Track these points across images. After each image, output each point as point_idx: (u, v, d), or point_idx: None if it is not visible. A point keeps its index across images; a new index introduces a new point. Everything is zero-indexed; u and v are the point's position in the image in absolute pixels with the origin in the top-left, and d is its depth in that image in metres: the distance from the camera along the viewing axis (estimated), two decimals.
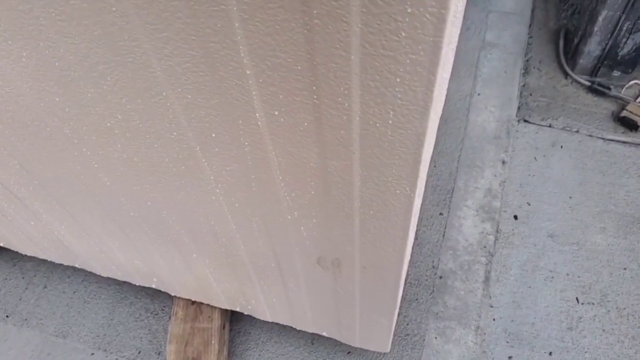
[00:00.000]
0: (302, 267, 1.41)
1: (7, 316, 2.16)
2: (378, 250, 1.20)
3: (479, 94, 2.63)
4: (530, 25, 2.81)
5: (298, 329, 1.86)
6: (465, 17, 2.78)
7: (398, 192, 0.99)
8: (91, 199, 1.42)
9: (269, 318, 1.87)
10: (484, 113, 2.58)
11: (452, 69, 2.68)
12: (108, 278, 2.21)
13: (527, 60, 2.73)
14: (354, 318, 1.61)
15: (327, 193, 1.06)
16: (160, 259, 1.67)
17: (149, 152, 1.12)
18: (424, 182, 1.35)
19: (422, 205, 2.30)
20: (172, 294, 1.95)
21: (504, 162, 2.43)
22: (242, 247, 1.41)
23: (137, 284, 1.96)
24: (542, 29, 2.82)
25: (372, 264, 1.27)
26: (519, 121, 2.55)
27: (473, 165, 2.42)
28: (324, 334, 1.84)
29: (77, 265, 2.01)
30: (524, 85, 2.66)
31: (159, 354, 2.04)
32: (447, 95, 2.61)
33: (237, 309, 1.87)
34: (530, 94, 2.62)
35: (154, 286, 1.92)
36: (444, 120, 2.53)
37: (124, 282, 2.19)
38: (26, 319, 2.15)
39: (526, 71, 2.71)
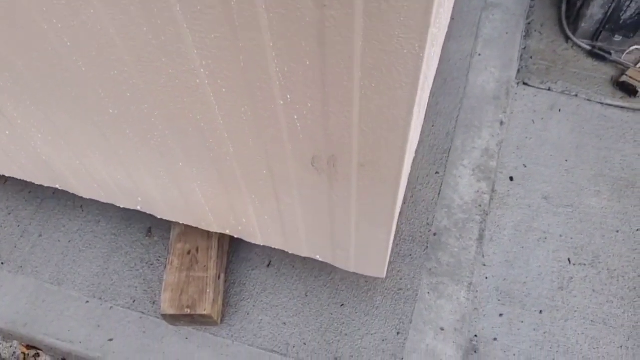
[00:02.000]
0: (295, 171, 1.35)
1: (2, 263, 2.16)
2: (378, 140, 1.13)
3: (479, 55, 2.61)
4: None
5: (290, 252, 1.84)
6: None
7: (405, 51, 0.88)
8: (67, 94, 1.33)
9: (260, 240, 1.83)
10: (484, 74, 2.56)
11: (454, 28, 2.66)
12: (103, 228, 2.21)
13: (529, 23, 2.71)
14: (349, 232, 1.56)
15: (325, 61, 0.97)
16: (144, 171, 1.60)
17: (126, 19, 1.03)
18: (435, 42, 1.18)
19: (418, 163, 2.30)
20: (158, 217, 1.90)
21: (502, 123, 2.43)
22: (231, 149, 1.34)
23: (122, 206, 1.92)
24: None
25: (371, 161, 1.20)
26: (518, 84, 2.54)
27: (471, 125, 2.42)
28: (318, 257, 1.80)
29: (58, 187, 1.96)
30: (524, 48, 2.65)
31: (153, 302, 2.06)
32: (447, 55, 2.60)
33: (227, 232, 1.83)
34: (531, 57, 2.61)
35: (139, 207, 1.87)
36: (443, 79, 2.52)
37: (120, 232, 2.20)
38: (21, 267, 2.16)
39: (527, 34, 2.69)
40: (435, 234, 2.16)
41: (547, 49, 2.64)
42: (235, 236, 1.85)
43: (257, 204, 1.58)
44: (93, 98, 1.32)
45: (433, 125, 2.40)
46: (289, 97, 1.09)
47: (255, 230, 1.75)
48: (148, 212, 1.90)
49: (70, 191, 1.97)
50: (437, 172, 2.29)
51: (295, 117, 1.15)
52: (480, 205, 2.22)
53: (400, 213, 2.19)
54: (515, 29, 2.66)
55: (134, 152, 1.51)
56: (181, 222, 1.90)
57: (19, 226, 2.25)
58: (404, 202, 2.22)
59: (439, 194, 2.24)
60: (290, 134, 1.22)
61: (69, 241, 2.21)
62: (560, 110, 2.47)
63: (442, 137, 2.38)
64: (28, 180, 2.03)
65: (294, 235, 1.70)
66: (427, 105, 2.45)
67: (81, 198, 2.28)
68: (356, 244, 1.61)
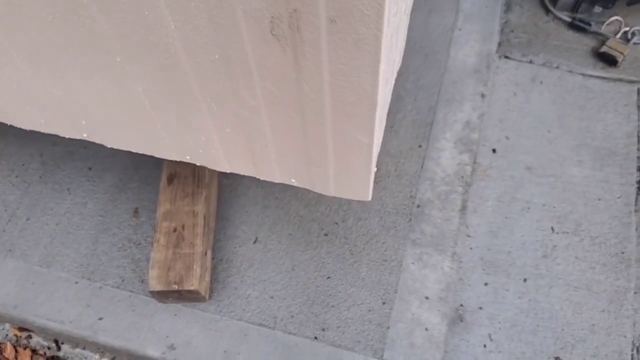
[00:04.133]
0: (252, 47, 1.19)
1: None
2: None
3: (460, 29, 2.63)
4: None
5: (262, 179, 1.73)
6: None
7: None
8: None
9: (226, 166, 1.71)
10: (464, 48, 2.58)
11: (434, 2, 2.67)
12: (90, 210, 2.23)
13: None
14: (324, 135, 1.42)
15: None
16: (79, 77, 1.45)
17: None
18: None
19: (401, 137, 2.32)
20: (108, 145, 1.78)
21: (483, 96, 2.45)
22: (172, 25, 1.19)
23: (67, 136, 1.80)
24: None
25: (344, 10, 1.04)
26: (499, 57, 2.56)
27: (452, 99, 2.44)
28: (293, 181, 1.70)
29: None
30: (505, 22, 2.66)
31: (142, 281, 2.08)
32: (428, 30, 2.61)
33: (188, 159, 1.73)
34: (512, 31, 2.63)
35: (85, 136, 1.76)
36: (424, 55, 2.54)
37: (106, 213, 2.22)
38: (10, 250, 2.17)
39: (508, 8, 2.70)
40: (418, 206, 2.18)
41: (527, 22, 2.65)
42: (198, 163, 1.74)
43: (214, 109, 1.43)
44: None
45: (415, 100, 2.42)
46: None
47: (219, 151, 1.61)
48: (97, 142, 1.78)
49: (7, 122, 1.83)
50: (419, 146, 2.31)
51: None
52: (462, 177, 2.25)
53: (384, 187, 2.21)
54: (495, 3, 2.68)
55: (64, 47, 1.34)
56: (135, 151, 1.77)
57: (6, 210, 2.26)
58: (387, 176, 2.24)
59: (421, 167, 2.27)
60: None
61: (57, 224, 2.23)
62: (541, 82, 2.49)
63: (425, 111, 2.40)
64: None
65: (262, 154, 1.58)
66: (409, 80, 2.47)
67: (67, 180, 2.29)
68: (334, 154, 1.49)
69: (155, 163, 2.20)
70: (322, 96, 1.29)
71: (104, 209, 2.25)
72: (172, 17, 1.17)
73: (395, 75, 1.86)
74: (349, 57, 1.14)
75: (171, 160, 2.02)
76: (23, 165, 2.38)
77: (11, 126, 1.85)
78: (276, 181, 1.71)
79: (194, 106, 1.44)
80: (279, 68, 1.23)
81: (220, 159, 1.68)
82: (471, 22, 2.66)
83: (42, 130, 1.83)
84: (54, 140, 2.39)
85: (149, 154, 1.77)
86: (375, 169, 1.59)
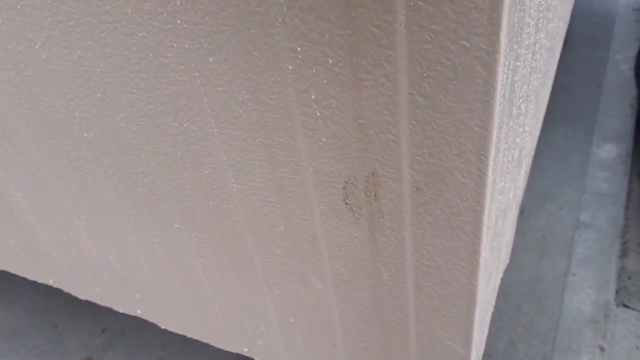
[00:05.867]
0: (321, 219, 1.00)
1: None
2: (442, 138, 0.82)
3: (574, 275, 2.43)
4: (626, 208, 2.66)
5: None
6: (558, 196, 2.70)
7: None
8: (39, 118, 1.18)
9: None
10: (579, 294, 2.35)
11: (546, 247, 2.54)
12: None
13: (625, 243, 2.53)
14: (406, 341, 1.13)
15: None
16: (135, 241, 1.33)
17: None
18: None
19: None
20: (162, 326, 1.61)
21: (602, 349, 2.14)
22: (234, 187, 1.07)
23: (121, 311, 1.68)
24: (639, 211, 2.65)
25: (431, 178, 0.85)
26: (617, 305, 2.29)
27: (569, 349, 2.15)
28: None
29: (51, 283, 1.78)
30: (622, 268, 2.43)
31: None
32: (540, 274, 2.45)
33: (245, 351, 1.47)
34: (629, 278, 2.38)
35: (139, 312, 1.61)
36: (537, 298, 2.34)
37: None
38: None
39: (623, 254, 2.49)
40: None
41: None
42: (256, 359, 1.48)
43: (276, 291, 1.23)
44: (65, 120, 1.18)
45: (529, 347, 2.17)
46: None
47: (279, 345, 1.36)
48: (150, 320, 1.64)
49: (65, 289, 1.80)
50: None
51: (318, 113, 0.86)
52: None
53: None
54: (610, 249, 2.49)
55: (120, 209, 1.29)
56: (189, 336, 1.58)
57: None
58: None
59: None
60: (309, 148, 0.91)
61: None
62: None
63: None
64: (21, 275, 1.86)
65: (331, 354, 1.30)
66: (521, 325, 2.24)
67: None
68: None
69: None
70: (404, 285, 1.07)
71: None
72: (234, 177, 1.07)
73: (500, 274, 1.58)
74: (440, 237, 0.94)
75: None
76: None
77: None
78: None
79: (255, 286, 1.28)
80: (352, 245, 1.05)
81: (280, 355, 1.43)
82: (585, 268, 2.46)
83: (97, 302, 1.75)
84: None
85: (204, 341, 1.58)
86: None
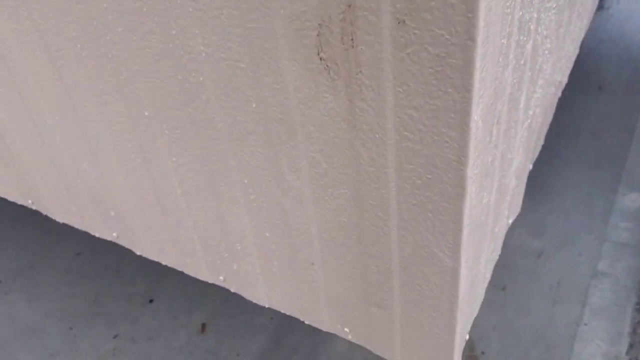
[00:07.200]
0: (294, 79, 0.90)
1: None
2: None
3: (586, 324, 2.39)
4: None
5: (307, 322, 1.32)
6: (578, 242, 2.64)
7: None
8: None
9: (264, 299, 1.33)
10: (590, 346, 2.31)
11: (560, 292, 2.51)
12: None
13: None
14: (388, 247, 1.02)
15: None
16: (108, 142, 1.26)
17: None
18: None
19: None
20: (138, 252, 1.55)
21: None
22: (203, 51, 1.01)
23: (97, 234, 1.61)
24: None
25: (413, 11, 0.75)
26: None
27: None
28: (347, 331, 1.23)
29: (29, 203, 1.72)
30: (638, 322, 2.39)
31: None
32: (552, 320, 2.42)
33: (221, 279, 1.39)
34: None
35: (114, 235, 1.54)
36: (546, 345, 2.31)
37: None
38: None
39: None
40: None
41: None
42: (232, 289, 1.39)
43: (251, 196, 1.14)
44: None
45: None
46: None
47: (255, 269, 1.26)
48: (126, 246, 1.57)
49: (43, 211, 1.74)
50: None
51: None
52: None
53: None
54: (626, 301, 2.43)
55: (91, 97, 1.23)
56: (164, 263, 1.52)
57: None
58: None
59: None
60: None
61: None
62: None
63: None
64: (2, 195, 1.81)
65: (307, 276, 1.18)
66: None
67: None
68: (401, 281, 1.03)
69: None
70: (385, 170, 0.95)
71: None
72: (201, 37, 1.00)
73: (511, 217, 1.46)
74: (425, 94, 0.82)
75: None
76: None
77: None
78: (324, 329, 1.31)
79: (229, 194, 1.19)
80: (329, 121, 0.96)
81: (257, 283, 1.34)
82: (598, 319, 2.42)
83: (74, 224, 1.69)
84: None
85: (179, 269, 1.50)
86: (467, 337, 1.11)
